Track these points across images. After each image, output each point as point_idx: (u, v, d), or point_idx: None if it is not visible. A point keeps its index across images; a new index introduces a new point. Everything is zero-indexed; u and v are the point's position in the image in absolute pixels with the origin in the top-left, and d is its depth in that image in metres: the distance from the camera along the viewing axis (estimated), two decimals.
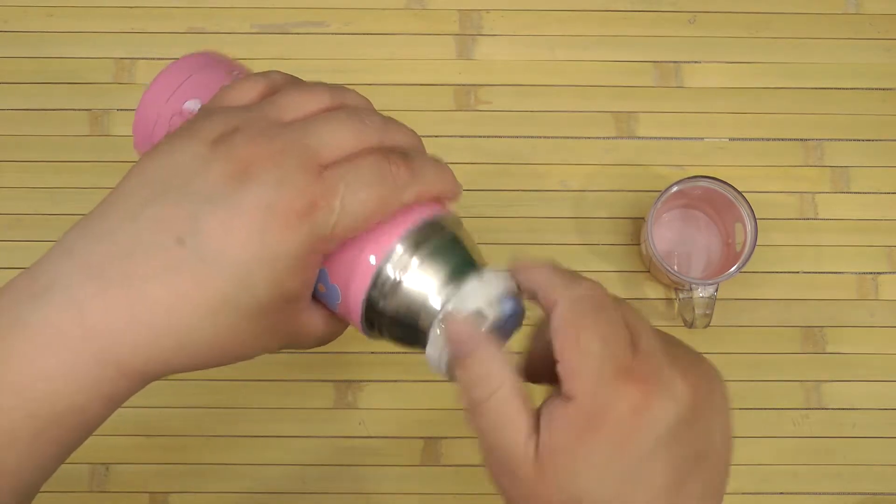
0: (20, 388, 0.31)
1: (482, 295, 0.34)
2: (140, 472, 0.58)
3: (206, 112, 0.36)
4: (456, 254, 0.35)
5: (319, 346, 0.38)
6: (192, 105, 0.38)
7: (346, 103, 0.36)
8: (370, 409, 0.60)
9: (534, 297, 0.35)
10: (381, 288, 0.35)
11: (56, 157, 0.62)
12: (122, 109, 0.63)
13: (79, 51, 0.63)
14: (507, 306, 0.35)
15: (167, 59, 0.63)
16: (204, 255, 0.32)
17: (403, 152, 0.35)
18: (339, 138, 0.34)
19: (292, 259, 0.32)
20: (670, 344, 0.35)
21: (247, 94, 0.36)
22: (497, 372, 0.34)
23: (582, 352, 0.32)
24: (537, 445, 0.32)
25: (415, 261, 0.34)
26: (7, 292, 0.33)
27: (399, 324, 0.35)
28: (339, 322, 0.38)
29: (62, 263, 0.33)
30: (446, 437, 0.59)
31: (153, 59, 0.63)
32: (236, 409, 0.60)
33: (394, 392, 0.60)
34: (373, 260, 0.34)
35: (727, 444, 0.36)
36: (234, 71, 0.40)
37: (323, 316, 0.37)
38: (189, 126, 0.35)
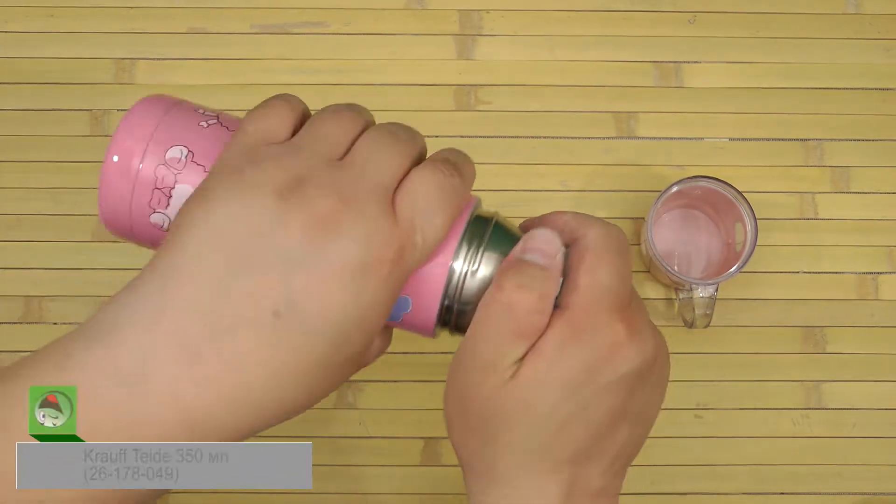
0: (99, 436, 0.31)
1: None
2: None
3: (249, 154, 0.34)
4: (507, 233, 0.37)
5: (365, 365, 0.38)
6: (178, 153, 0.36)
7: (367, 119, 0.36)
8: (370, 409, 0.60)
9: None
10: (455, 285, 0.36)
11: (56, 157, 0.62)
12: (122, 109, 0.63)
13: (79, 51, 0.63)
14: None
15: (167, 60, 0.64)
16: (303, 323, 0.31)
17: (444, 158, 0.36)
18: (392, 164, 0.34)
19: (384, 307, 0.33)
20: None
21: (278, 125, 0.35)
22: (552, 296, 0.35)
23: (594, 275, 0.34)
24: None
25: (480, 252, 0.36)
26: (90, 366, 0.31)
27: (470, 312, 0.36)
28: (390, 334, 0.38)
29: (148, 339, 0.31)
30: (446, 437, 0.59)
31: (153, 59, 0.63)
32: None
33: (394, 392, 0.60)
34: (442, 261, 0.35)
35: (653, 420, 0.38)
36: (198, 109, 0.37)
37: (382, 335, 0.37)
38: (238, 173, 0.33)
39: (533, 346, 0.34)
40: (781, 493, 0.59)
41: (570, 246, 0.36)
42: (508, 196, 0.62)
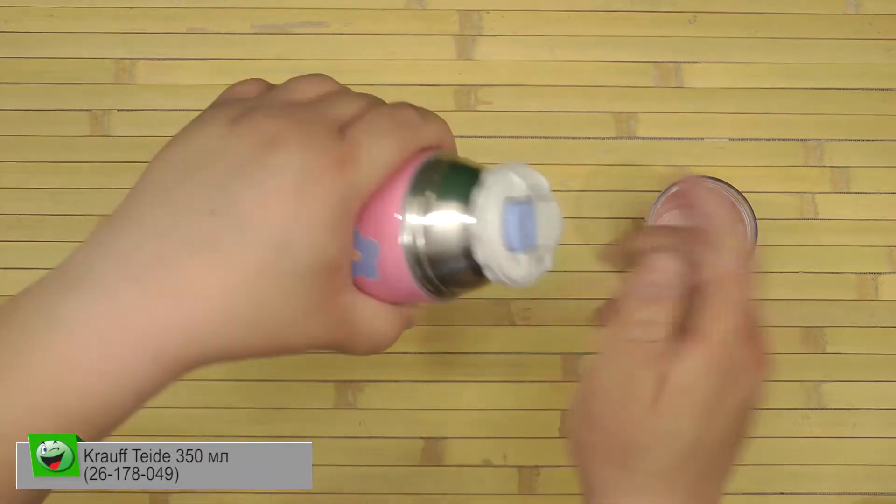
0: (52, 385, 0.30)
1: (503, 181, 0.36)
2: None
3: (216, 103, 0.35)
4: (467, 170, 0.36)
5: (372, 349, 0.37)
6: None
7: (337, 84, 0.37)
8: (370, 409, 0.60)
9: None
10: (414, 227, 0.35)
11: (56, 157, 0.62)
12: (122, 109, 0.63)
13: (79, 51, 0.63)
14: (531, 181, 0.37)
15: (167, 60, 0.64)
16: (240, 222, 0.31)
17: (405, 102, 0.37)
18: (353, 107, 0.35)
19: (329, 218, 0.32)
20: None
21: (252, 88, 0.37)
22: (663, 319, 0.38)
23: (730, 307, 0.36)
24: (666, 382, 0.36)
25: (434, 189, 0.35)
26: (38, 287, 0.32)
27: (444, 255, 0.35)
28: (391, 313, 0.37)
29: (92, 255, 0.32)
30: (446, 438, 0.59)
31: (153, 59, 0.63)
32: (236, 409, 0.60)
33: (394, 392, 0.60)
34: (396, 198, 0.35)
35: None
36: None
37: (373, 303, 0.37)
38: (202, 115, 0.34)
39: (670, 370, 0.37)
40: (781, 493, 0.59)
41: (695, 261, 0.38)
42: None
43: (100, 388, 0.31)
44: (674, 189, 0.57)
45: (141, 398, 0.32)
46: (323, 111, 0.34)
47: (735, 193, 0.57)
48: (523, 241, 0.36)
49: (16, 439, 0.31)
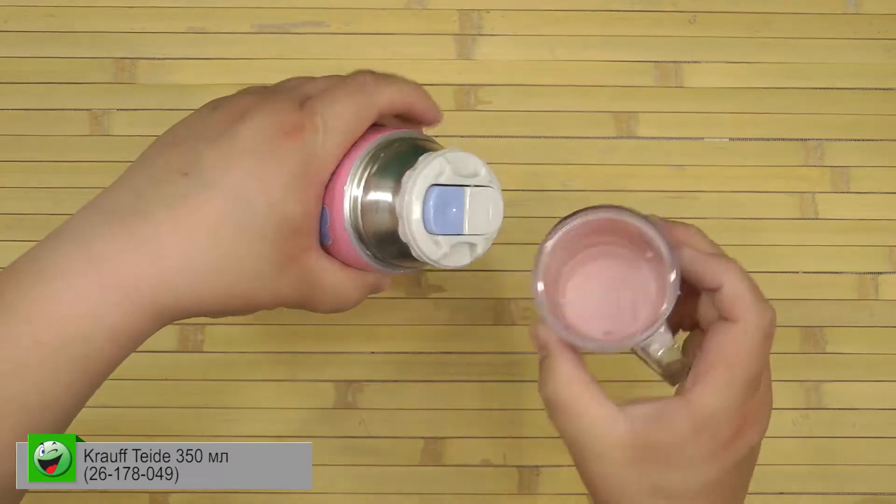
0: (28, 315, 0.32)
1: (431, 170, 0.37)
2: None
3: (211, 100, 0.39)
4: (414, 152, 0.37)
5: (336, 309, 0.39)
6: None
7: (328, 76, 0.41)
8: (370, 409, 0.60)
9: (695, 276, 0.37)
10: (354, 201, 0.37)
11: (56, 157, 0.62)
12: (122, 109, 0.63)
13: (79, 51, 0.63)
14: (458, 166, 0.37)
15: (167, 59, 0.64)
16: (205, 180, 0.34)
17: (368, 70, 0.40)
18: (320, 85, 0.38)
19: (287, 177, 0.35)
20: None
21: (246, 91, 0.40)
22: (575, 377, 0.36)
23: (743, 369, 0.35)
24: (635, 435, 0.35)
25: (377, 167, 0.37)
26: (32, 248, 0.35)
27: (377, 231, 0.37)
28: (354, 277, 0.39)
29: (81, 213, 0.35)
30: (446, 437, 0.59)
31: (153, 59, 0.63)
32: (236, 409, 0.60)
33: (394, 392, 0.60)
34: (348, 168, 0.37)
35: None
36: None
37: (338, 266, 0.39)
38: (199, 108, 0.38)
39: (644, 431, 0.35)
40: (781, 493, 0.59)
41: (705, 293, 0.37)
42: (508, 196, 0.61)
43: (72, 319, 0.33)
44: (560, 234, 0.38)
45: (113, 334, 0.34)
46: (292, 89, 0.38)
47: (638, 218, 0.38)
48: (443, 224, 0.37)
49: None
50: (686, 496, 0.35)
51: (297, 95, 0.37)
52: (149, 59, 0.63)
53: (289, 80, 0.40)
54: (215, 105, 0.37)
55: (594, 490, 0.36)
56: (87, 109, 0.63)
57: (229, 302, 0.35)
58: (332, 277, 0.38)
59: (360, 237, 0.37)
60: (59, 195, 0.62)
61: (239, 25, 0.64)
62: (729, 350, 0.35)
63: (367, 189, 0.37)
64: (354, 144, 0.37)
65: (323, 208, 0.37)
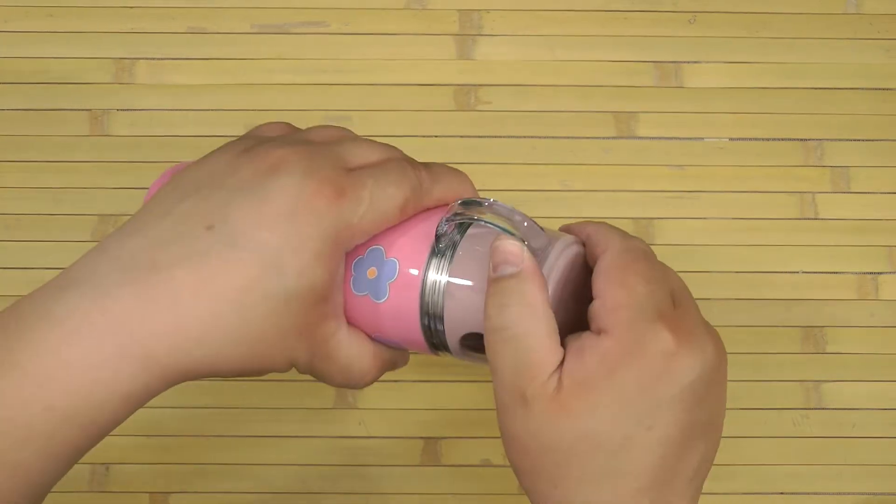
0: (41, 379, 0.31)
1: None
2: (140, 472, 0.58)
3: (237, 138, 0.37)
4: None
5: (347, 383, 0.37)
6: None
7: (367, 139, 0.38)
8: (370, 409, 0.60)
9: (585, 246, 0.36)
10: (436, 281, 0.35)
11: (56, 157, 0.62)
12: (122, 109, 0.63)
13: (79, 51, 0.63)
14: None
15: (167, 59, 0.63)
16: (233, 239, 0.32)
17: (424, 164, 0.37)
18: (367, 154, 0.35)
19: (319, 243, 0.32)
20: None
21: (276, 128, 0.38)
22: (541, 301, 0.33)
23: (627, 289, 0.33)
24: (560, 378, 0.32)
25: (448, 258, 0.35)
26: (37, 291, 0.33)
27: (454, 319, 0.35)
28: (373, 352, 0.37)
29: (92, 260, 0.33)
30: (446, 437, 0.59)
31: (153, 59, 0.63)
32: (236, 409, 0.60)
33: (394, 392, 0.60)
34: (432, 232, 0.35)
35: (721, 427, 0.36)
36: None
37: (356, 338, 0.37)
38: (222, 146, 0.36)
39: (568, 368, 0.32)
40: (781, 493, 0.59)
41: (597, 258, 0.35)
42: (508, 196, 0.62)
43: (86, 385, 0.31)
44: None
45: (127, 400, 0.33)
46: (335, 150, 0.35)
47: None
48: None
49: (7, 433, 0.31)
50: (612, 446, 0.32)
51: (342, 158, 0.34)
52: (149, 59, 0.63)
53: (322, 130, 0.37)
54: (243, 149, 0.34)
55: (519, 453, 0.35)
56: (86, 109, 0.63)
57: (244, 369, 0.33)
58: (349, 349, 0.36)
59: (429, 315, 0.35)
60: (59, 195, 0.62)
61: (238, 25, 0.64)
62: (601, 279, 0.33)
63: (454, 275, 0.35)
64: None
65: (391, 260, 0.35)
